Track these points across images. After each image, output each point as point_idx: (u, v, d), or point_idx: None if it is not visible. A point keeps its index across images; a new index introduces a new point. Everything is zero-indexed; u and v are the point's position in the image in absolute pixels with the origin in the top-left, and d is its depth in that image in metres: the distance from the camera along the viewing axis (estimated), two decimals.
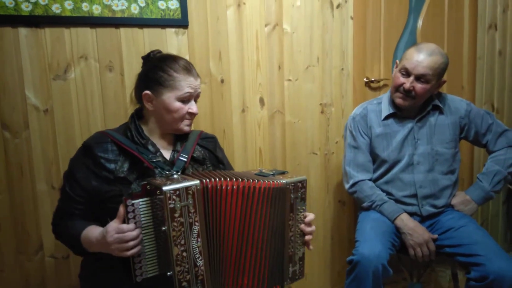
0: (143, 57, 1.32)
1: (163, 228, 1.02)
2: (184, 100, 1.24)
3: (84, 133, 1.61)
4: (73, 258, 1.65)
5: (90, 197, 1.20)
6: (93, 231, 1.14)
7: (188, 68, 1.25)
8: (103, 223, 1.13)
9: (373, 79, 2.15)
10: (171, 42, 1.72)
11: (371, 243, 1.49)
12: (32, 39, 1.51)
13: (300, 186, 1.20)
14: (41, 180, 1.57)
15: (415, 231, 1.59)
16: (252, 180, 1.14)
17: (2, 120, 1.51)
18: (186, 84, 1.22)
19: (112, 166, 1.19)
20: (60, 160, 1.59)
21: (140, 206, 1.06)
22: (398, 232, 1.63)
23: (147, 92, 1.24)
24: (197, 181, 1.06)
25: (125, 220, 1.06)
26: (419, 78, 1.61)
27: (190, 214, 1.04)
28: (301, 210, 1.21)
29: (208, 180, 1.10)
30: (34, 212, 1.58)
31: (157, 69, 1.24)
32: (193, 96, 1.26)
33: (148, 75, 1.26)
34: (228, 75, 1.84)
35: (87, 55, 1.60)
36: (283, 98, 1.97)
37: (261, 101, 1.93)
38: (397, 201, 1.71)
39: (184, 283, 1.04)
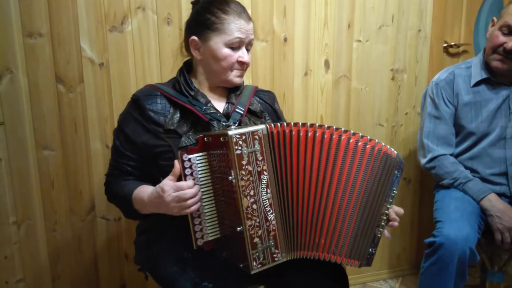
0: (192, 2, 1.19)
1: (230, 178, 0.91)
2: (234, 46, 1.10)
3: None
4: (125, 220, 1.59)
5: (141, 153, 1.11)
6: (145, 190, 1.05)
7: (239, 10, 1.11)
8: (156, 183, 1.03)
9: (452, 44, 1.90)
10: None
11: (457, 224, 1.31)
12: None
13: (402, 167, 1.06)
14: (95, 138, 1.50)
15: (505, 214, 1.40)
16: (345, 131, 0.97)
17: (57, 73, 1.43)
18: (235, 27, 1.09)
19: (161, 118, 1.10)
20: (115, 118, 1.50)
21: (197, 161, 0.95)
22: (483, 214, 1.44)
23: (194, 37, 1.12)
24: (263, 126, 0.94)
25: (181, 177, 0.96)
26: None
27: (258, 162, 0.92)
28: (394, 194, 1.06)
29: (273, 125, 0.96)
30: (87, 171, 1.52)
31: (204, 11, 1.12)
32: (244, 43, 1.12)
33: (195, 19, 1.14)
34: (292, 33, 1.68)
35: (145, 5, 1.48)
36: (350, 61, 1.78)
37: (326, 63, 1.75)
38: (483, 179, 1.51)
39: (256, 239, 0.92)
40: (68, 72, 1.44)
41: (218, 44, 1.09)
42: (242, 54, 1.12)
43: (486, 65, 1.52)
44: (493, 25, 1.49)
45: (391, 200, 1.06)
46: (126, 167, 1.13)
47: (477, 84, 1.53)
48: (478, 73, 1.52)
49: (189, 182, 0.95)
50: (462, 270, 1.29)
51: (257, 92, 1.26)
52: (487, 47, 1.50)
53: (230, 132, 0.90)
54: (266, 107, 1.25)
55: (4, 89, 1.38)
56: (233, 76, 1.14)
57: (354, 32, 1.76)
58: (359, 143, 0.98)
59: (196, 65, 1.18)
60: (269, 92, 1.31)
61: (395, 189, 1.06)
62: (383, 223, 1.05)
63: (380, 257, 2.02)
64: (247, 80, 1.65)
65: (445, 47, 1.91)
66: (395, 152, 1.05)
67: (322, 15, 1.70)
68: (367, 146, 0.98)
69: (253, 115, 1.19)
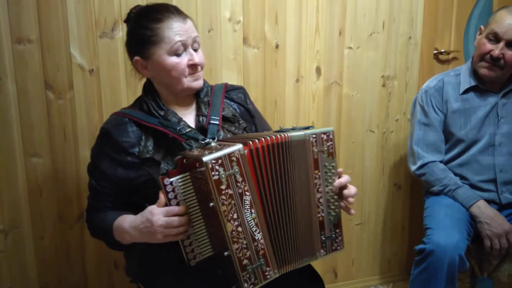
0: (125, 21, 1.11)
1: (211, 204, 0.90)
2: (179, 52, 1.04)
3: (131, 100, 1.49)
4: None
5: (120, 187, 1.08)
6: (125, 219, 1.03)
7: (170, 12, 1.04)
8: (136, 211, 1.01)
9: (442, 51, 1.92)
10: (225, 2, 1.57)
11: (447, 231, 1.33)
12: None
13: (325, 139, 1.03)
14: (84, 146, 1.49)
15: (494, 221, 1.41)
16: (275, 137, 0.99)
17: (46, 79, 1.42)
18: (172, 33, 1.02)
19: (135, 149, 1.06)
20: None
21: (180, 184, 0.93)
22: (473, 220, 1.46)
23: (137, 58, 1.07)
24: (240, 145, 0.92)
25: (166, 203, 0.94)
26: (511, 44, 1.40)
27: (238, 184, 0.91)
28: (330, 168, 1.04)
29: (253, 141, 0.95)
30: (76, 178, 1.50)
31: (137, 27, 1.06)
32: (188, 44, 1.05)
33: (131, 39, 1.09)
34: (283, 40, 1.68)
35: None
36: (341, 68, 1.79)
37: (318, 70, 1.76)
38: (472, 186, 1.53)
39: (245, 261, 0.91)
40: (58, 78, 1.43)
41: (162, 56, 1.04)
42: (191, 57, 1.06)
43: (475, 73, 1.53)
44: (480, 33, 1.51)
45: (328, 177, 1.04)
46: (105, 203, 1.11)
47: (466, 91, 1.55)
48: (466, 81, 1.54)
49: (181, 208, 0.93)
50: (452, 277, 1.30)
51: (228, 91, 1.21)
52: (474, 55, 1.52)
53: (204, 158, 0.87)
54: (238, 108, 1.21)
55: None
56: (190, 82, 1.08)
57: (345, 39, 1.77)
58: (283, 143, 0.99)
59: (155, 82, 1.12)
60: (239, 88, 1.25)
61: (327, 164, 1.04)
62: (331, 205, 1.05)
63: (371, 263, 2.02)
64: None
65: (435, 54, 1.93)
66: (300, 132, 1.02)
67: (314, 22, 1.71)
68: (283, 144, 0.99)
69: (227, 122, 1.15)
